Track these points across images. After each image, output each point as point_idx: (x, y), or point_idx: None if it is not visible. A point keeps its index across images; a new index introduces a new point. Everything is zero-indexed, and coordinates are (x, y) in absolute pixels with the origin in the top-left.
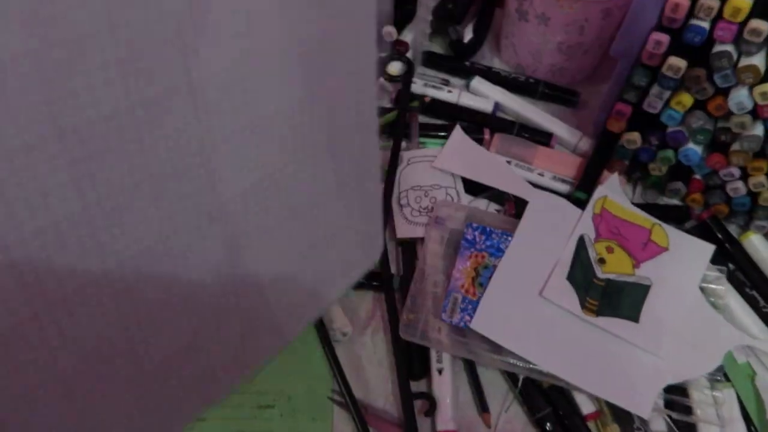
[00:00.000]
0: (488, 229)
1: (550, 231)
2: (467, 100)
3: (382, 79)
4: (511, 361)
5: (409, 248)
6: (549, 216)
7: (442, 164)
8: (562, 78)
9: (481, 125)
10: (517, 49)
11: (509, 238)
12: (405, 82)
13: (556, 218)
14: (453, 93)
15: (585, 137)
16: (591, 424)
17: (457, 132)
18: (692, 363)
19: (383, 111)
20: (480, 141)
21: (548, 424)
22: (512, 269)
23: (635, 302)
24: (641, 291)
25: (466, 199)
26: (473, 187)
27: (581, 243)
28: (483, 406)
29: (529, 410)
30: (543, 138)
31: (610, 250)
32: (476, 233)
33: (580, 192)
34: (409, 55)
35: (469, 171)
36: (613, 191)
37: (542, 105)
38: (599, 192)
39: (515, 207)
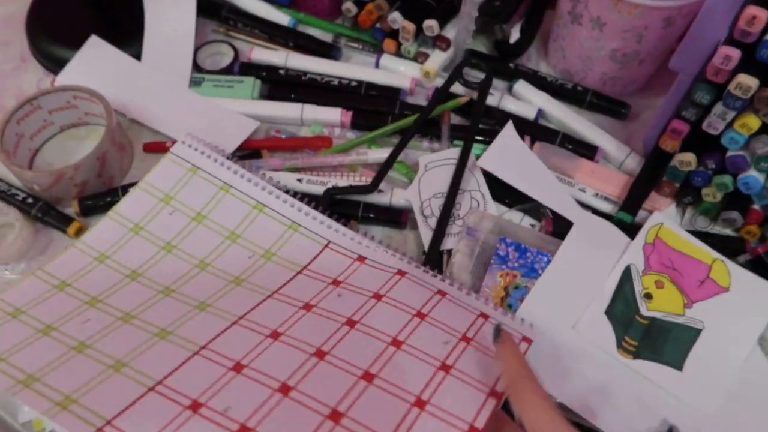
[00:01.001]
0: (523, 246)
1: (594, 258)
2: (508, 104)
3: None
4: None
5: (435, 262)
6: (594, 241)
7: (485, 164)
8: (612, 88)
9: (521, 132)
10: (567, 53)
11: (545, 259)
12: (482, 90)
13: (602, 244)
14: (494, 96)
15: (633, 153)
16: None
17: (509, 129)
18: (744, 425)
19: (418, 109)
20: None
21: None
22: (546, 294)
23: (681, 347)
24: (690, 335)
25: (492, 204)
26: (502, 194)
27: (627, 274)
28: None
29: None
30: (587, 151)
31: (659, 284)
32: (510, 249)
33: (624, 213)
34: (449, 52)
35: (513, 177)
36: (671, 219)
37: (588, 115)
38: (654, 219)
39: (553, 225)
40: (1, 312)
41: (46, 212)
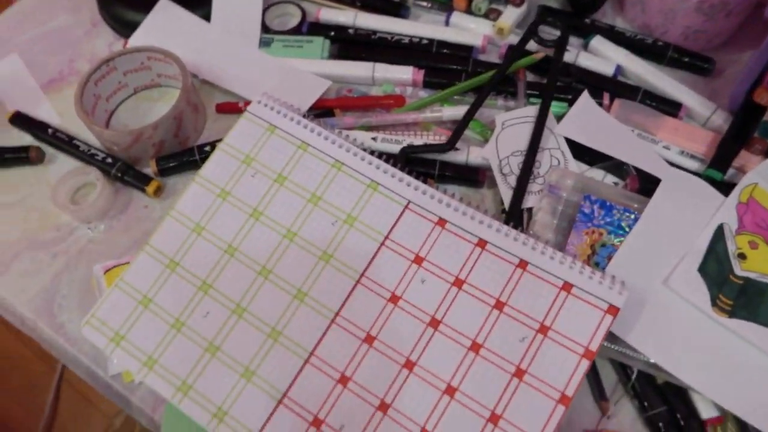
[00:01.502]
0: (609, 203)
1: (684, 215)
2: (585, 61)
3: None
4: (626, 351)
5: (516, 220)
6: (684, 198)
7: (564, 131)
8: (695, 43)
9: (599, 89)
10: (646, 7)
11: (632, 216)
12: (559, 46)
13: (692, 201)
14: (570, 52)
15: (719, 110)
16: (710, 430)
17: (584, 97)
18: None
19: (491, 66)
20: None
21: (661, 424)
22: (635, 251)
23: None
24: None
25: (573, 163)
26: (582, 153)
27: (719, 233)
28: (601, 394)
29: (640, 406)
30: (670, 108)
31: (753, 245)
32: (595, 207)
33: (713, 170)
34: (523, 8)
35: (593, 140)
36: (766, 179)
37: (669, 72)
38: (749, 178)
39: (639, 182)
40: (133, 300)
41: (125, 172)
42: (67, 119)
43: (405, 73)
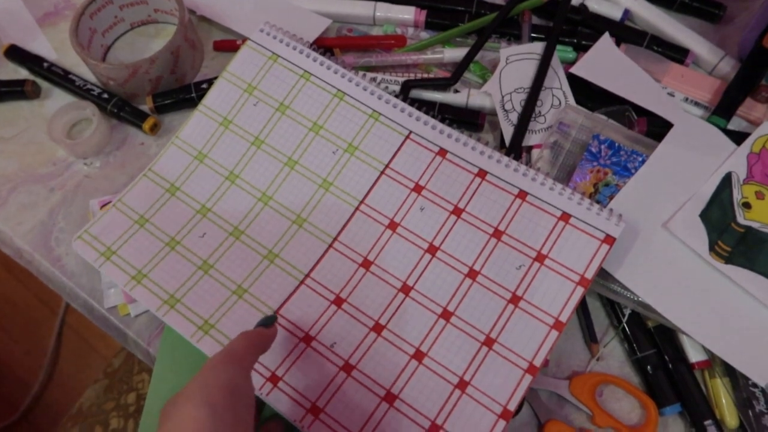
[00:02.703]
0: (617, 144)
1: (692, 160)
2: (592, 4)
3: None
4: (619, 290)
5: (517, 156)
6: (694, 144)
7: (580, 71)
8: None
9: (607, 33)
10: None
11: (639, 158)
12: None
13: (702, 148)
14: None
15: (727, 57)
16: (697, 374)
17: (605, 40)
18: None
19: (497, 8)
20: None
21: (649, 366)
22: (637, 193)
23: None
24: None
25: (574, 105)
26: (584, 98)
27: (726, 180)
28: (591, 337)
29: (629, 349)
30: (677, 54)
31: (760, 195)
32: (603, 146)
33: (717, 117)
34: None
35: (609, 82)
36: None
37: (678, 17)
38: (764, 129)
39: (648, 126)
40: (130, 220)
41: (121, 108)
42: (63, 54)
43: (407, 13)
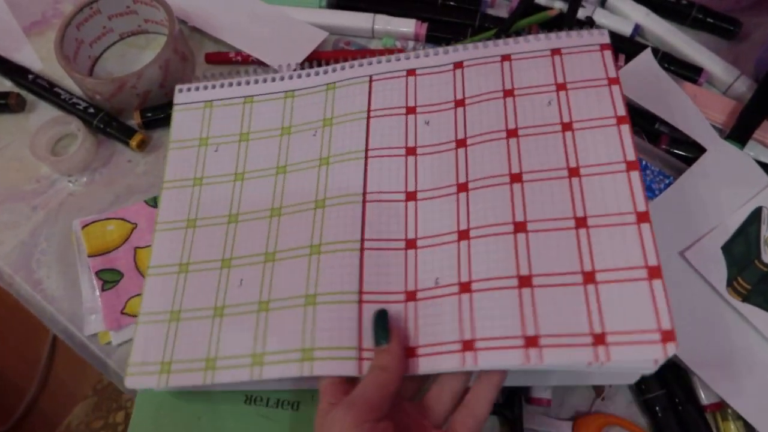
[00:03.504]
0: (644, 162)
1: (722, 189)
2: (602, 18)
3: None
4: None
5: None
6: (726, 172)
7: None
8: (720, 3)
9: (615, 50)
10: None
11: (665, 180)
12: (573, 1)
13: (733, 177)
14: (586, 8)
15: (743, 77)
16: (709, 416)
17: (646, 54)
18: None
19: (501, 22)
20: None
21: (658, 408)
22: (659, 216)
23: None
24: None
25: None
26: None
27: (755, 215)
28: None
29: (637, 389)
30: (690, 72)
31: None
32: None
33: (732, 141)
34: None
35: (645, 98)
36: None
37: (692, 34)
38: None
39: (669, 142)
40: (162, 323)
41: (107, 123)
42: (50, 65)
43: (407, 26)
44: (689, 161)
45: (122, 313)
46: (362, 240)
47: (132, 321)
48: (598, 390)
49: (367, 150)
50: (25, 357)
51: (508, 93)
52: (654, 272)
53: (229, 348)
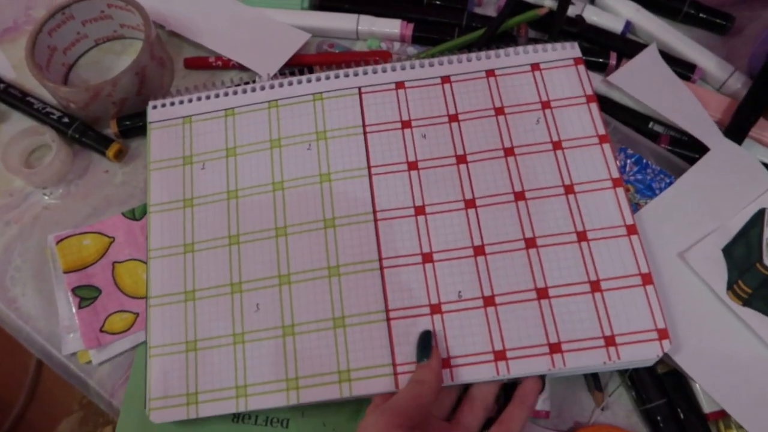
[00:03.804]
0: (645, 161)
1: (724, 190)
2: (592, 16)
3: None
4: None
5: None
6: (729, 172)
7: (618, 79)
8: None
9: (606, 47)
10: None
11: (666, 180)
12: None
13: (736, 178)
14: (576, 5)
15: (737, 73)
16: (712, 425)
17: (651, 50)
18: None
19: (489, 21)
20: (604, 66)
21: (659, 417)
22: (658, 216)
23: None
24: None
25: None
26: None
27: (758, 217)
28: (596, 383)
29: (637, 398)
30: (683, 69)
31: None
32: (629, 161)
33: (728, 139)
34: None
35: (647, 95)
36: None
37: (684, 29)
38: None
39: (670, 141)
40: (179, 354)
41: (83, 133)
42: (22, 73)
43: (392, 26)
44: (691, 160)
45: (101, 330)
46: (380, 259)
47: (112, 339)
48: (598, 400)
49: (369, 167)
50: (12, 370)
51: (499, 111)
52: (646, 278)
53: (258, 374)
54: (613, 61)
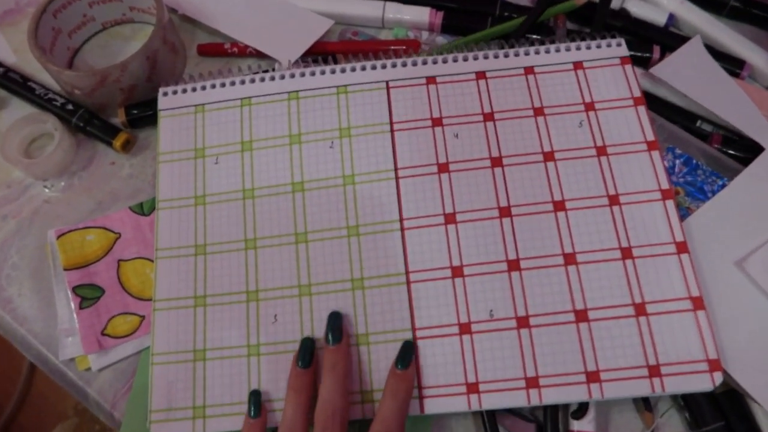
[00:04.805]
0: (695, 162)
1: None
2: (634, 8)
3: None
4: None
5: None
6: None
7: (662, 73)
8: None
9: (648, 40)
10: None
11: (719, 182)
12: None
13: None
14: None
15: None
16: None
17: (696, 41)
18: None
19: (524, 11)
20: (646, 60)
21: None
22: (712, 221)
23: None
24: None
25: None
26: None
27: None
28: (645, 403)
29: (691, 419)
30: (731, 65)
31: None
32: (678, 161)
33: None
34: None
35: (693, 90)
36: None
37: (731, 24)
38: None
39: (722, 141)
40: (186, 363)
41: (88, 121)
42: (24, 57)
43: (420, 14)
44: (743, 161)
45: (103, 333)
46: (407, 272)
47: (115, 343)
48: (648, 421)
49: (396, 169)
50: (4, 371)
51: (539, 111)
52: (697, 303)
53: (275, 390)
54: (656, 55)
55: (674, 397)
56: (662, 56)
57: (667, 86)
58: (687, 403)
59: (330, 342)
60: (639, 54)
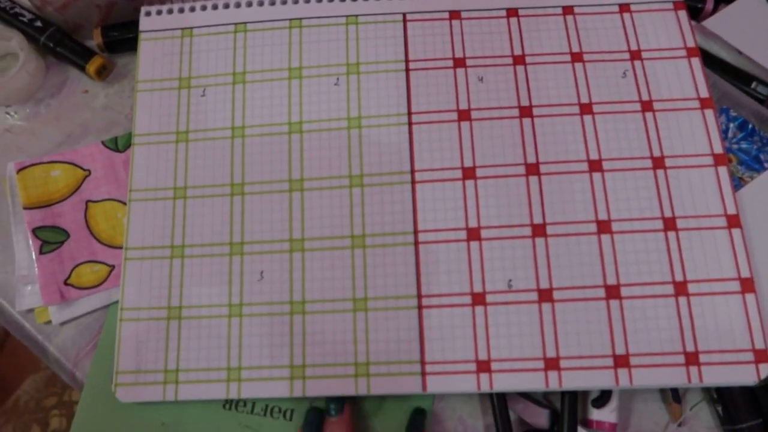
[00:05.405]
0: (751, 126)
1: None
2: None
3: None
4: None
5: None
6: None
7: (715, 27)
8: None
9: None
10: None
11: None
12: None
13: None
14: None
15: None
16: None
17: None
18: None
19: None
20: (698, 12)
21: None
22: (766, 195)
23: None
24: None
25: None
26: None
27: None
28: (674, 395)
29: (724, 413)
30: None
31: None
32: (731, 125)
33: None
34: None
35: (750, 47)
36: None
37: None
38: None
39: None
40: (159, 320)
41: (59, 41)
42: None
43: None
44: None
45: (66, 283)
46: (416, 231)
47: (79, 294)
48: (675, 414)
49: (410, 113)
50: None
51: (577, 57)
52: (747, 285)
53: (257, 356)
54: (709, 6)
55: (706, 389)
56: (716, 8)
57: (720, 42)
58: (721, 396)
59: (332, 414)
60: (690, 3)
